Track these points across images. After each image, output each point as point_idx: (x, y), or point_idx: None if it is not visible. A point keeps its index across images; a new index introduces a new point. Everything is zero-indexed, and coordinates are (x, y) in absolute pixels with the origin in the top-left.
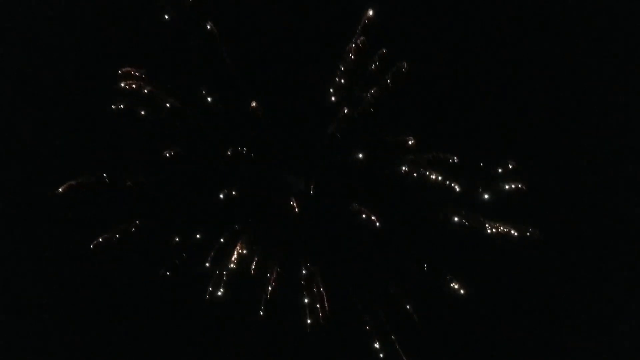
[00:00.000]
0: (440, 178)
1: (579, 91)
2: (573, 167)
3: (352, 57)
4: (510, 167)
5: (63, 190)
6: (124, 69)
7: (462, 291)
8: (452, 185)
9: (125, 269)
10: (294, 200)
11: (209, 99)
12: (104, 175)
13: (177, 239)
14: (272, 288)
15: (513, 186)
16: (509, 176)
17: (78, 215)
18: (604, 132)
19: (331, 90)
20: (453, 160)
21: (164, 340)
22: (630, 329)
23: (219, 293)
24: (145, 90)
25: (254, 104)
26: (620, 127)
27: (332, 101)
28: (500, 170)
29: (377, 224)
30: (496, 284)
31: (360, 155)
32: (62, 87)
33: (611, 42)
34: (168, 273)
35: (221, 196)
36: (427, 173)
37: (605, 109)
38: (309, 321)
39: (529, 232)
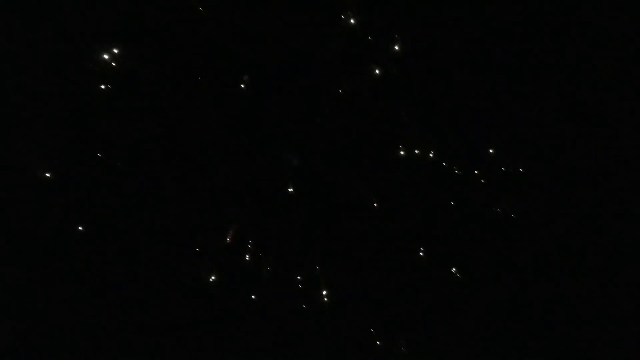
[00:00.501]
0: (436, 161)
1: (580, 80)
2: (572, 155)
3: (346, 33)
4: (509, 154)
5: (46, 178)
6: (102, 47)
7: (459, 275)
8: (452, 167)
9: (112, 257)
10: (288, 179)
11: (199, 78)
12: (87, 160)
13: (168, 225)
14: (266, 272)
15: (512, 171)
16: (506, 162)
17: (62, 203)
18: (605, 125)
19: (324, 67)
20: (451, 143)
21: (156, 328)
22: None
23: (211, 279)
24: (126, 69)
25: (245, 78)
26: (620, 120)
27: (326, 77)
28: (499, 159)
29: (375, 204)
30: (494, 275)
31: (355, 137)
32: (35, 68)
33: (611, 38)
34: (158, 262)
35: (212, 177)
36: (424, 155)
37: (607, 103)
38: (304, 306)
39: (527, 220)
